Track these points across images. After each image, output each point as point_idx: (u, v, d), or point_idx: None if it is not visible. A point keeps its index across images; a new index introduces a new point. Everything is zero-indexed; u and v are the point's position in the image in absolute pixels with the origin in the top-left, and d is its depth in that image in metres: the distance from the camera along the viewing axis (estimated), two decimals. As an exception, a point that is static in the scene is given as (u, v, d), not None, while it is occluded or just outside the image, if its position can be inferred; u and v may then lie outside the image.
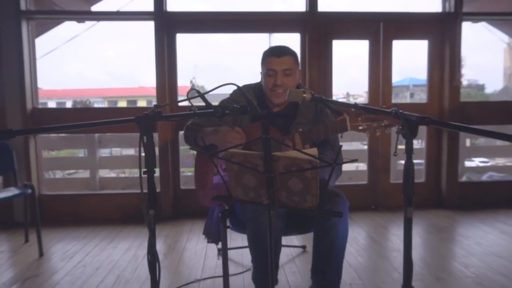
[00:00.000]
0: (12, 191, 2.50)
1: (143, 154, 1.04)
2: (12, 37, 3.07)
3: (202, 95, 1.24)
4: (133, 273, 2.19)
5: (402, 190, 0.88)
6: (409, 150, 0.87)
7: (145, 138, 1.04)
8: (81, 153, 5.59)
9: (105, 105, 18.12)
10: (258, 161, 1.06)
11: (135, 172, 4.60)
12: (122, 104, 18.41)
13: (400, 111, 0.90)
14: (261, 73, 1.57)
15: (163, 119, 1.05)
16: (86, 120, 1.29)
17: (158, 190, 3.28)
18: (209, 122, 1.58)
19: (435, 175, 3.55)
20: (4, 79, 3.09)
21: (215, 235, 1.70)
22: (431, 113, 3.48)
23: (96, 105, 17.62)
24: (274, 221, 1.32)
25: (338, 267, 1.41)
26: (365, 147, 3.61)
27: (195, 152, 1.66)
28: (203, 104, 1.25)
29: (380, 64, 3.40)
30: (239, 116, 1.52)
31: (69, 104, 15.86)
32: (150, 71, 3.31)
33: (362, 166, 4.03)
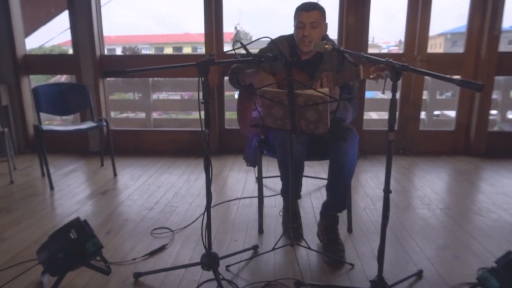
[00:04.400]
0: (90, 124, 3.07)
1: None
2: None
3: (244, 46, 1.58)
4: (187, 191, 2.73)
5: (388, 119, 1.21)
6: (394, 89, 1.18)
7: (202, 78, 1.42)
8: (131, 96, 6.22)
9: (152, 51, 18.86)
10: (284, 97, 1.42)
11: (182, 115, 5.17)
12: (168, 50, 18.99)
13: (390, 60, 1.20)
14: (293, 25, 1.86)
15: (215, 64, 1.42)
16: (143, 66, 1.71)
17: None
18: (249, 66, 1.92)
19: (465, 124, 3.69)
20: (77, 29, 3.58)
21: (252, 159, 2.13)
22: (466, 64, 3.54)
23: (144, 52, 18.45)
24: (297, 145, 1.70)
25: (346, 186, 1.78)
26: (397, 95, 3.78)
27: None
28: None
29: (418, 13, 3.46)
30: (274, 63, 1.86)
31: (118, 51, 16.62)
32: (195, 18, 3.60)
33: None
